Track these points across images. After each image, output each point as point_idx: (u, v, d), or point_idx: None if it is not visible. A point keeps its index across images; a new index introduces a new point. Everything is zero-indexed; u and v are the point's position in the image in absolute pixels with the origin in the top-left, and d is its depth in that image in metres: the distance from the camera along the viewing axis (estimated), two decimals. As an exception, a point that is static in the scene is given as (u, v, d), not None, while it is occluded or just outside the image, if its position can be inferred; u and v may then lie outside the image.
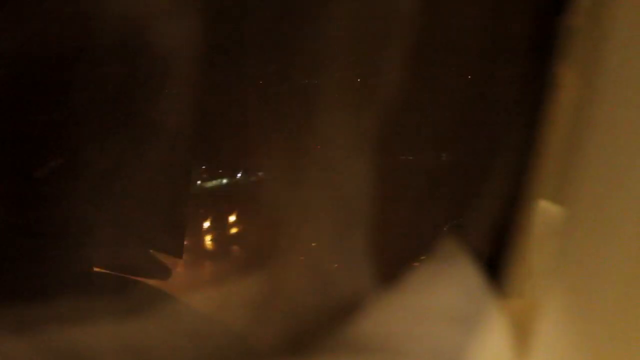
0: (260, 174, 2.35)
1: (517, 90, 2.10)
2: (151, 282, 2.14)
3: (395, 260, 2.10)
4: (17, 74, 1.91)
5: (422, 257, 2.04)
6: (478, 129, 2.16)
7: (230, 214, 2.42)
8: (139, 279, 2.07)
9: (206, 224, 2.42)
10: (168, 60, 2.01)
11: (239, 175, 2.38)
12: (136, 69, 2.03)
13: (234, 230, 2.39)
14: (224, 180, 2.38)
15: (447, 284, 1.97)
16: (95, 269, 2.15)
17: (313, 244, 2.11)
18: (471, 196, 2.13)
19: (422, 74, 2.11)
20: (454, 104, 2.12)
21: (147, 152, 2.08)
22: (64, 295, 1.87)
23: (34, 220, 1.99)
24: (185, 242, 2.29)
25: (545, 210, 1.95)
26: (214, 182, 2.38)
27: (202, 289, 2.20)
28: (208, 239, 2.44)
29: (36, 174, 2.12)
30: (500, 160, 2.13)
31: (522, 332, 1.91)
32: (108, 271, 2.17)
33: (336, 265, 2.06)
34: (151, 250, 2.29)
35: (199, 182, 2.37)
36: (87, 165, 2.05)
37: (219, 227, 2.42)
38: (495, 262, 2.02)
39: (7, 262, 1.90)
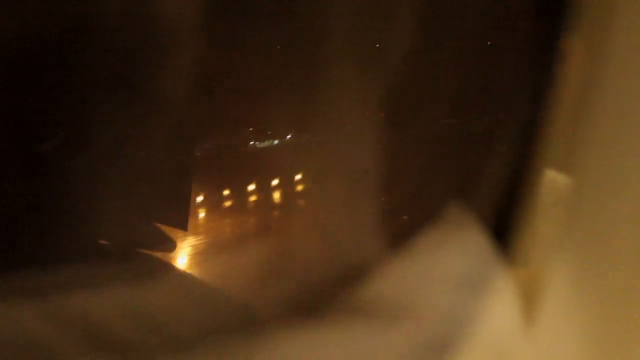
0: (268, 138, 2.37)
1: (523, 59, 2.10)
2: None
3: (403, 226, 2.11)
4: (21, 50, 1.91)
5: (430, 223, 2.05)
6: (485, 98, 2.16)
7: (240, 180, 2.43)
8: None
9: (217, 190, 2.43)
10: (172, 30, 2.01)
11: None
12: (139, 41, 2.03)
13: (248, 197, 2.41)
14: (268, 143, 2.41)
15: (454, 249, 1.97)
16: (101, 242, 2.16)
17: (323, 208, 2.11)
18: (478, 164, 2.13)
19: (428, 43, 2.11)
20: (460, 73, 2.12)
21: (151, 126, 2.09)
22: (72, 264, 1.88)
23: (40, 193, 1.99)
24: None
25: (552, 179, 1.96)
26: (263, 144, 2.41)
27: (210, 255, 2.21)
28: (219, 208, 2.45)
29: (41, 148, 2.12)
30: (507, 129, 2.13)
31: (529, 300, 1.92)
32: (113, 244, 2.17)
33: (345, 229, 2.07)
34: (156, 223, 2.30)
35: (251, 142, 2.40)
36: (91, 139, 2.05)
37: (234, 192, 2.43)
38: (503, 230, 2.03)
39: (13, 232, 1.90)
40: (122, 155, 2.13)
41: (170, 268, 2.00)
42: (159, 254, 2.05)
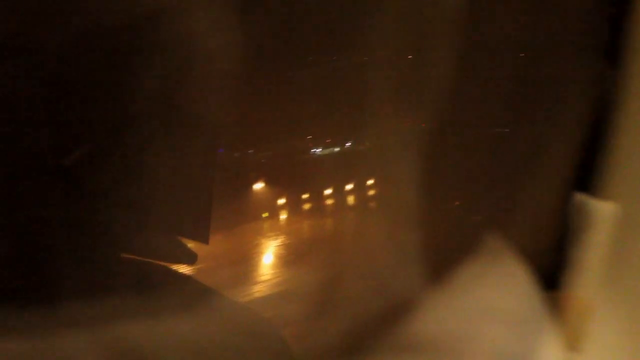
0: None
1: (569, 88, 2.11)
2: (201, 277, 2.11)
3: (442, 259, 2.10)
4: (54, 69, 1.85)
5: (469, 256, 2.04)
6: (525, 126, 2.16)
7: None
8: (188, 274, 2.04)
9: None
10: (203, 52, 1.97)
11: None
12: (168, 60, 1.98)
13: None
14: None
15: (495, 282, 1.97)
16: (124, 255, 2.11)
17: (368, 242, 2.10)
18: (520, 193, 2.13)
19: (472, 67, 2.10)
20: (504, 100, 2.12)
21: (174, 141, 2.05)
22: (116, 292, 1.83)
23: (67, 211, 1.93)
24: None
25: (599, 208, 1.96)
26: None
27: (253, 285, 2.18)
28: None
29: (65, 162, 2.06)
30: (548, 157, 2.14)
31: (574, 331, 1.93)
32: (135, 257, 2.13)
33: (390, 264, 2.06)
34: (178, 237, 2.26)
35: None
36: (114, 154, 2.01)
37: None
38: (547, 260, 2.03)
39: (56, 259, 1.84)
40: (145, 168, 2.09)
41: (216, 296, 1.96)
42: (204, 282, 2.00)
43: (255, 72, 1.92)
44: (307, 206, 2.32)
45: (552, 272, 1.96)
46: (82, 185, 2.05)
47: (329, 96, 2.05)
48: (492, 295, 1.92)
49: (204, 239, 2.32)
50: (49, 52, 1.79)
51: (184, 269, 2.04)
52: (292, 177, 2.32)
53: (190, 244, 2.24)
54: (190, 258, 2.26)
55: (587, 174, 1.94)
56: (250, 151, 2.20)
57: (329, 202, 2.30)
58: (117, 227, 2.01)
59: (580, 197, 1.95)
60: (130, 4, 1.77)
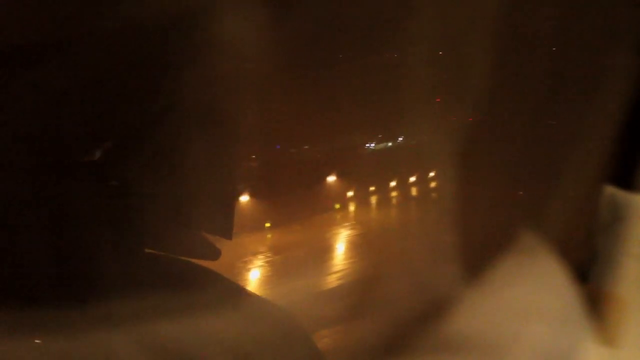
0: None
1: (605, 81, 2.09)
2: (231, 276, 2.10)
3: (478, 257, 2.09)
4: (88, 68, 1.84)
5: (505, 253, 2.02)
6: (558, 124, 2.15)
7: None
8: (218, 272, 2.02)
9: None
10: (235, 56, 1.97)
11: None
12: (201, 60, 1.97)
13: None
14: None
15: (532, 280, 1.96)
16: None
17: (407, 243, 2.09)
18: (556, 192, 2.12)
19: (511, 62, 2.08)
20: (536, 99, 2.11)
21: (200, 139, 2.05)
22: (148, 289, 1.82)
23: (95, 208, 1.91)
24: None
25: (633, 202, 1.94)
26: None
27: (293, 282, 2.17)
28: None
29: (89, 157, 2.06)
30: (584, 151, 2.12)
31: (611, 326, 1.91)
32: (160, 252, 2.12)
33: (429, 263, 2.05)
34: (202, 233, 2.26)
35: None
36: (140, 151, 2.00)
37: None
38: (581, 254, 2.01)
39: (89, 256, 1.83)
40: (172, 166, 2.08)
41: (246, 294, 1.95)
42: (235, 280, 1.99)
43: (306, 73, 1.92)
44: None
45: (586, 266, 1.94)
46: (110, 182, 2.03)
47: (378, 93, 2.04)
48: (530, 292, 1.90)
49: (228, 235, 2.31)
50: (83, 51, 1.77)
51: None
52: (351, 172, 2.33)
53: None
54: (214, 254, 2.25)
55: (621, 167, 1.91)
56: (306, 147, 2.20)
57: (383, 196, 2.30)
58: (144, 223, 2.00)
59: (613, 190, 1.92)
60: (165, 4, 1.76)
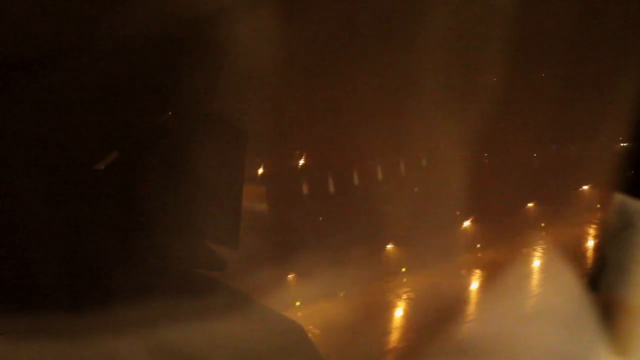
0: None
1: (616, 86, 2.10)
2: (233, 282, 2.10)
3: (488, 260, 2.09)
4: (98, 75, 1.86)
5: (516, 257, 2.03)
6: (573, 128, 2.17)
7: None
8: (220, 279, 2.03)
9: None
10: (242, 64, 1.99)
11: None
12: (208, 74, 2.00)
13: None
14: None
15: (544, 284, 1.96)
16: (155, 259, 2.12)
17: (418, 243, 2.09)
18: (566, 194, 2.13)
19: (519, 79, 2.10)
20: (551, 105, 2.13)
21: (205, 150, 2.08)
22: (156, 296, 1.82)
23: (104, 215, 1.93)
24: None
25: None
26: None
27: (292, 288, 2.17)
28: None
29: (97, 166, 2.08)
30: (592, 158, 2.13)
31: (622, 334, 1.91)
32: (166, 263, 2.14)
33: (439, 266, 2.06)
34: (209, 244, 2.28)
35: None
36: (146, 161, 2.03)
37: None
38: (591, 261, 2.02)
39: (98, 263, 1.83)
40: (176, 177, 2.11)
41: (250, 301, 1.96)
42: (239, 287, 1.99)
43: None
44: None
45: (596, 274, 1.94)
46: (116, 190, 2.07)
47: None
48: (542, 297, 1.91)
49: (234, 245, 2.33)
50: (95, 59, 1.81)
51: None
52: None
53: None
54: (220, 264, 2.27)
55: (632, 175, 1.93)
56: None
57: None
58: (151, 233, 2.03)
59: (623, 198, 1.93)
60: (182, 9, 1.79)
